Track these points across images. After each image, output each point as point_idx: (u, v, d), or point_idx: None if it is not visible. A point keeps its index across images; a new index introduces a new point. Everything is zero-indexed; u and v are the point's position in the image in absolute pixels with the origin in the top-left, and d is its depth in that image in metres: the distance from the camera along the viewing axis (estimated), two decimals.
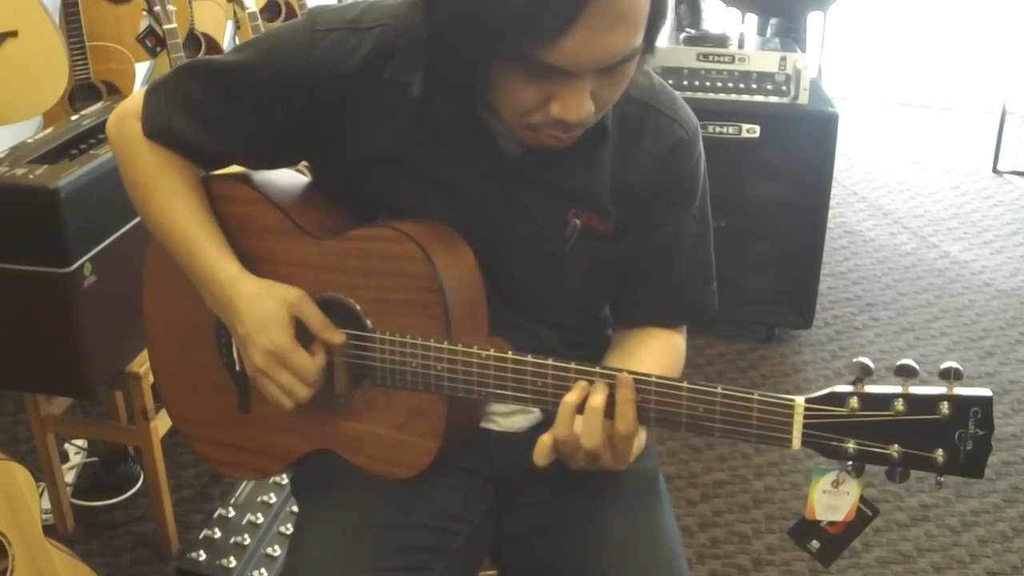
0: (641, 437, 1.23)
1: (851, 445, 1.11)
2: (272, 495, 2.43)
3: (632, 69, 1.17)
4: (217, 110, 1.33)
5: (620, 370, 1.18)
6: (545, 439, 1.21)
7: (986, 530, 2.55)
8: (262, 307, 1.29)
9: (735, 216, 3.18)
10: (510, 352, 1.23)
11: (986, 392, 1.09)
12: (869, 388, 1.11)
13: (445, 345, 1.25)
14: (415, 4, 1.17)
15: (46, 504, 2.44)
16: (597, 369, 1.19)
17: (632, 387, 1.17)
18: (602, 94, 1.16)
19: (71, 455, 2.67)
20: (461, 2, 1.08)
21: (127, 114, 1.38)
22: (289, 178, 1.44)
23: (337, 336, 1.31)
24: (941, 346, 3.40)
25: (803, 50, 3.75)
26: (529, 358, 1.22)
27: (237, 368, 1.42)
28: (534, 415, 1.43)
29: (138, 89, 3.17)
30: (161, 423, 2.31)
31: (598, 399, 1.18)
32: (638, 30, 1.10)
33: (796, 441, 1.13)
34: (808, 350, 3.38)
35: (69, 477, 2.59)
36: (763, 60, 3.14)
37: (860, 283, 3.84)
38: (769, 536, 2.52)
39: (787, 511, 2.60)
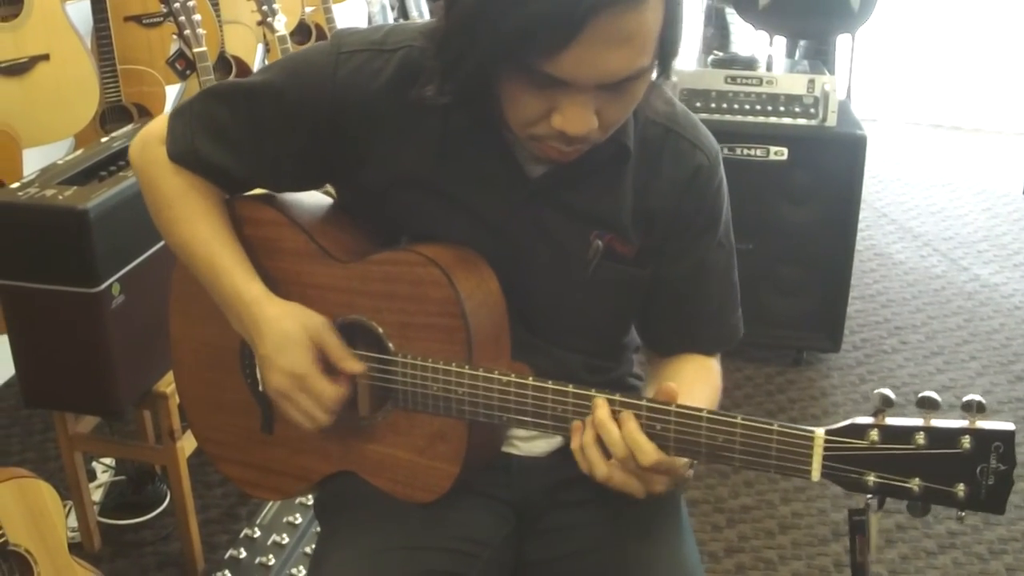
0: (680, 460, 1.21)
1: (871, 478, 1.10)
2: (298, 516, 2.43)
3: (639, 89, 1.17)
4: (242, 132, 1.33)
5: (641, 399, 1.17)
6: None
7: (1015, 558, 2.51)
8: (283, 328, 1.29)
9: (763, 239, 3.18)
10: (530, 378, 1.23)
11: (1009, 426, 1.07)
12: (890, 420, 1.09)
13: (466, 370, 1.25)
14: (439, 13, 1.18)
15: (73, 522, 2.46)
16: (618, 396, 1.18)
17: (631, 421, 1.16)
18: (608, 112, 1.16)
19: (99, 473, 2.69)
20: (471, 9, 1.09)
21: (151, 138, 1.39)
22: (314, 200, 1.45)
23: (356, 365, 1.31)
24: (971, 370, 3.36)
25: (832, 72, 3.74)
26: (549, 384, 1.22)
27: (261, 389, 1.42)
28: (555, 440, 1.42)
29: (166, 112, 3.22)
30: (188, 443, 2.32)
31: (589, 435, 1.18)
32: (643, 51, 1.10)
33: (816, 473, 1.11)
34: (836, 374, 3.35)
35: (97, 495, 2.61)
36: (791, 82, 3.14)
37: (889, 306, 3.82)
38: (795, 563, 2.50)
39: (813, 537, 2.58)
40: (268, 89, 1.31)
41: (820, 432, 1.11)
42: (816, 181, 3.15)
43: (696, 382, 1.36)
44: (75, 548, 2.31)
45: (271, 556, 2.32)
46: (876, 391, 1.10)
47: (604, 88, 1.12)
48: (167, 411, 2.26)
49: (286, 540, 2.37)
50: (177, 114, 1.38)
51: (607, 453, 1.18)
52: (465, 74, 1.14)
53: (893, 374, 3.34)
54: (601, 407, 1.18)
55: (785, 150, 3.12)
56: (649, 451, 1.15)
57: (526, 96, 1.13)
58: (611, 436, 1.17)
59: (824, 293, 3.26)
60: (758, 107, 3.15)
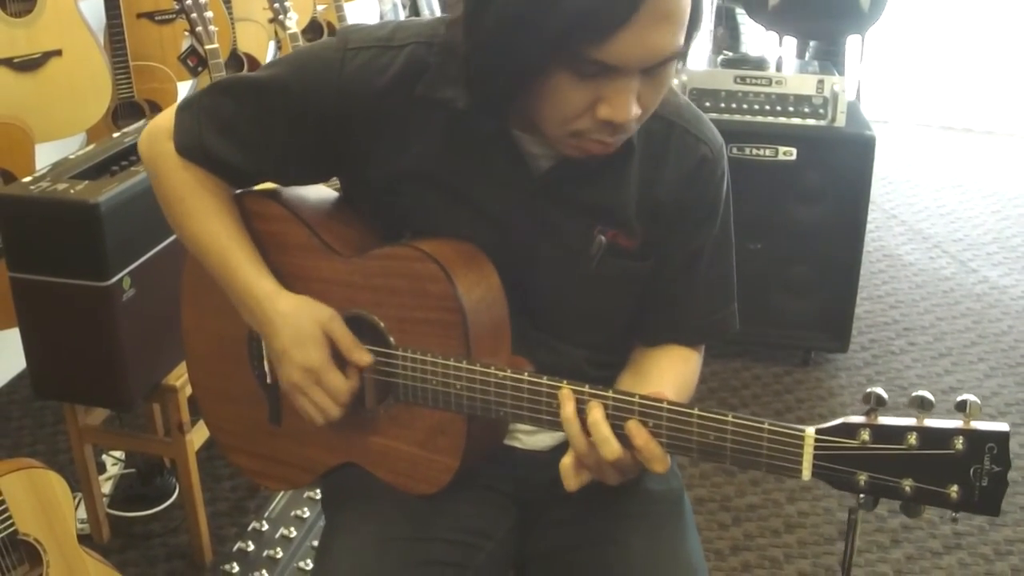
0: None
1: (863, 478, 1.09)
2: (306, 510, 2.45)
3: (671, 73, 1.18)
4: (248, 127, 1.35)
5: (632, 394, 1.18)
6: (567, 461, 1.21)
7: (1020, 559, 2.52)
8: (299, 324, 1.31)
9: (771, 239, 3.18)
10: (526, 373, 1.23)
11: (1003, 427, 1.05)
12: (882, 420, 1.08)
13: (464, 364, 1.26)
14: (454, 23, 1.20)
15: (83, 514, 2.48)
16: (611, 393, 1.19)
17: (598, 410, 1.17)
18: (645, 97, 1.17)
19: (108, 466, 2.70)
20: (510, 11, 1.10)
21: (159, 133, 1.40)
22: (320, 195, 1.46)
23: (365, 357, 1.32)
24: (979, 372, 3.36)
25: (842, 73, 3.74)
26: (544, 379, 1.22)
27: (268, 380, 1.44)
28: (559, 434, 1.41)
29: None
30: (197, 436, 2.34)
31: (597, 412, 1.18)
32: (682, 29, 1.13)
33: (806, 472, 1.11)
34: (844, 374, 3.36)
35: (106, 488, 2.63)
36: (800, 83, 3.14)
37: (898, 307, 3.82)
38: (801, 561, 2.51)
39: (819, 536, 2.59)
40: (275, 84, 1.32)
41: (810, 431, 1.10)
42: (825, 181, 3.15)
43: (668, 373, 1.38)
44: (84, 540, 2.33)
45: (279, 549, 2.34)
46: (868, 389, 1.09)
47: (645, 72, 1.14)
48: (176, 404, 2.28)
49: (294, 533, 2.38)
50: (184, 108, 1.39)
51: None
52: (501, 82, 1.16)
53: (901, 375, 3.34)
54: (567, 400, 1.19)
55: (794, 150, 3.12)
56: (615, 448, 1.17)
57: (570, 91, 1.14)
58: (573, 431, 1.18)
59: (832, 293, 3.26)
60: (767, 107, 3.15)
